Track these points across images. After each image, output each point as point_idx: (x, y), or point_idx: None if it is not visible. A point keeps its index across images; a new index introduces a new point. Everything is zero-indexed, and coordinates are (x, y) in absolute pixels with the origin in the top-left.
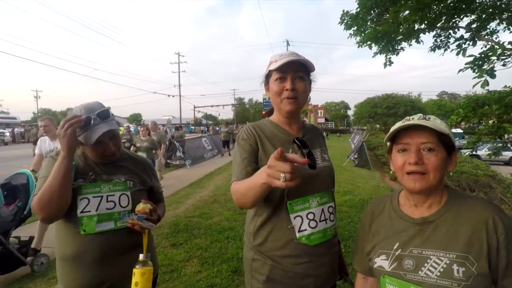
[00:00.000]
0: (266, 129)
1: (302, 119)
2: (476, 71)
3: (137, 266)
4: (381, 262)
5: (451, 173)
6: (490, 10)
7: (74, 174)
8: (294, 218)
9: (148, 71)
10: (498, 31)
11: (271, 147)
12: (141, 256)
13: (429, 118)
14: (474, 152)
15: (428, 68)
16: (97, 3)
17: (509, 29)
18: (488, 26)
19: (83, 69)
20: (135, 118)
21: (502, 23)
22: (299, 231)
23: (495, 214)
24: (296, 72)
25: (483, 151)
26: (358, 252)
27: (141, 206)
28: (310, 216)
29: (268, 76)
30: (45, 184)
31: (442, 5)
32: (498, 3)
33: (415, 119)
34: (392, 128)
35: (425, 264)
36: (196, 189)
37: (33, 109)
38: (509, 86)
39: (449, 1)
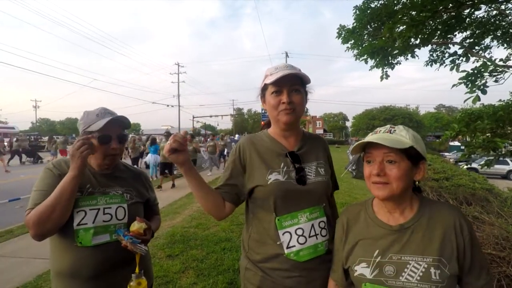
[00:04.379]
0: (260, 142)
1: (302, 129)
2: (469, 86)
3: (131, 283)
4: (362, 270)
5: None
6: (486, 26)
7: None
8: (283, 234)
9: (148, 81)
10: (491, 47)
11: (259, 161)
12: (133, 276)
13: (394, 130)
14: (470, 165)
15: (425, 81)
16: (98, 14)
17: (503, 45)
18: (482, 42)
19: (83, 79)
20: (134, 128)
21: (495, 40)
22: (288, 247)
23: (460, 217)
24: (292, 85)
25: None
26: (335, 263)
27: (136, 226)
28: (299, 232)
29: (264, 89)
30: (46, 200)
31: (438, 20)
32: (492, 19)
33: (381, 131)
34: (360, 141)
35: (405, 270)
36: (193, 199)
37: (32, 119)
38: (504, 100)
39: (444, 17)
